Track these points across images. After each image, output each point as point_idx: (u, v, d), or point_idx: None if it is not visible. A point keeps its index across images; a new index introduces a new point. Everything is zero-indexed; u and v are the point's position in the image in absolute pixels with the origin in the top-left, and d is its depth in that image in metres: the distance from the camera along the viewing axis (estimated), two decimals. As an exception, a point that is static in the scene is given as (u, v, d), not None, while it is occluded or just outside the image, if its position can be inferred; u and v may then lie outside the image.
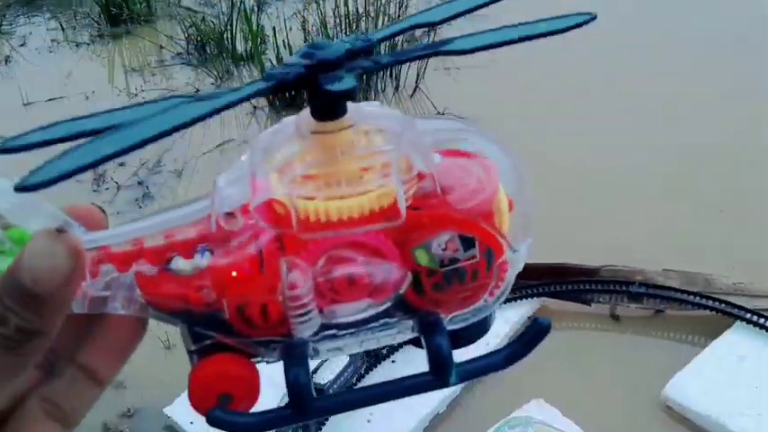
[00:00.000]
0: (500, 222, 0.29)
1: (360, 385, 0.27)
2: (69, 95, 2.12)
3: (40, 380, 0.30)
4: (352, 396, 0.30)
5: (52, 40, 2.46)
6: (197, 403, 0.29)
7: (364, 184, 0.27)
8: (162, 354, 1.23)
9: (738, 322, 1.21)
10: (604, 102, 1.86)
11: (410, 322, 0.30)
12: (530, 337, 0.31)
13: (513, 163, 0.30)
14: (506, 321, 1.24)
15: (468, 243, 0.29)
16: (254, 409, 0.30)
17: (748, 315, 1.21)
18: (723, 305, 1.23)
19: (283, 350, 0.29)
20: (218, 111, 0.25)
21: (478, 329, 0.32)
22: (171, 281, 0.28)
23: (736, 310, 1.22)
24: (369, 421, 1.09)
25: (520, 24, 0.29)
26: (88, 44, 2.44)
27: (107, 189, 1.70)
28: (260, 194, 0.27)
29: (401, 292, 0.29)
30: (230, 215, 0.28)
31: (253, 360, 0.30)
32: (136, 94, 2.12)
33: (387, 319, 0.30)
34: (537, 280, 1.30)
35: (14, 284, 0.25)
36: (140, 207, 1.63)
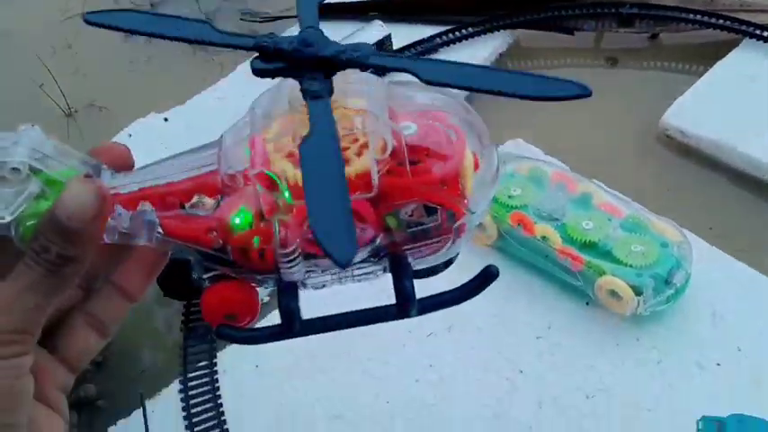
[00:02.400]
0: (465, 182, 0.33)
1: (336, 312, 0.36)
2: None
3: (82, 298, 0.37)
4: (331, 321, 0.36)
5: None
6: (208, 320, 0.35)
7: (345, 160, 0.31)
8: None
9: (746, 40, 1.02)
10: None
11: (383, 264, 0.35)
12: (479, 281, 0.36)
13: (478, 123, 0.34)
14: (473, 58, 1.05)
15: (431, 210, 0.33)
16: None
17: (758, 31, 1.02)
18: (728, 22, 1.04)
19: (278, 282, 0.35)
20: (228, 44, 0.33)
21: (443, 265, 0.37)
22: (186, 222, 0.34)
23: (744, 26, 1.03)
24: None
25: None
26: None
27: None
28: (258, 166, 0.32)
29: (375, 244, 0.34)
30: (232, 176, 0.33)
31: (253, 285, 0.35)
32: None
33: (362, 264, 0.35)
34: (508, 9, 1.09)
35: (53, 220, 0.31)
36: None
